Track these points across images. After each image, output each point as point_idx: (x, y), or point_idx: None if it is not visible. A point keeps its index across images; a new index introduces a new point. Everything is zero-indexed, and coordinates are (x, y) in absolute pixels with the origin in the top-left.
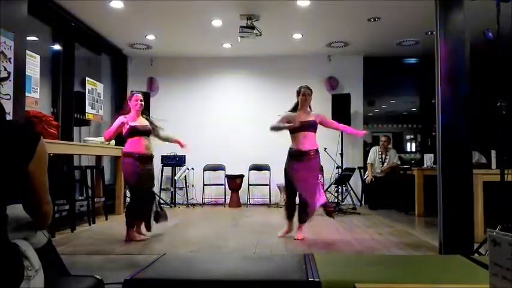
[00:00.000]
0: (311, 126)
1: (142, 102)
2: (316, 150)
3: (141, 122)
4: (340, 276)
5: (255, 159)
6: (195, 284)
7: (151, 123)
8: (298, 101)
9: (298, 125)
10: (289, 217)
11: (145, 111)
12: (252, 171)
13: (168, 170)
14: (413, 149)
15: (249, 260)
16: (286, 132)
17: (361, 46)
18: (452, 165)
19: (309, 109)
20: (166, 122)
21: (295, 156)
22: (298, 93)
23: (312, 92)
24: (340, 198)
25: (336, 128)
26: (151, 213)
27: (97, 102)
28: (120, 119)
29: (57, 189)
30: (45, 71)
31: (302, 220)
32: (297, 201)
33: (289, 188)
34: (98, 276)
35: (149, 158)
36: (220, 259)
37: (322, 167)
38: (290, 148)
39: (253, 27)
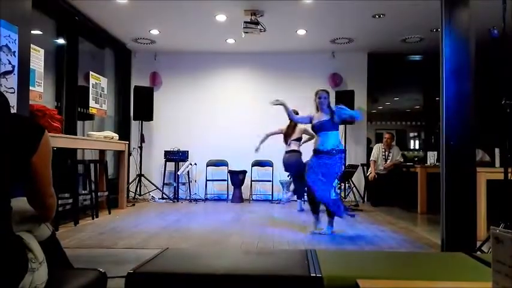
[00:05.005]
0: None
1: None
2: None
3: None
4: (342, 272)
5: (257, 155)
6: (197, 278)
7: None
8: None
9: None
10: None
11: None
12: (254, 167)
13: (171, 165)
14: (417, 147)
15: (251, 254)
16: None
17: (365, 43)
18: (456, 163)
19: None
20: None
21: None
22: None
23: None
24: (343, 195)
25: None
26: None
27: (101, 96)
28: None
29: (61, 182)
30: (49, 64)
31: None
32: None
33: None
34: (101, 269)
35: None
36: (222, 254)
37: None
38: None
39: (257, 23)
